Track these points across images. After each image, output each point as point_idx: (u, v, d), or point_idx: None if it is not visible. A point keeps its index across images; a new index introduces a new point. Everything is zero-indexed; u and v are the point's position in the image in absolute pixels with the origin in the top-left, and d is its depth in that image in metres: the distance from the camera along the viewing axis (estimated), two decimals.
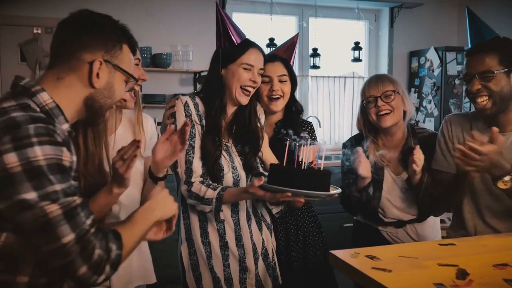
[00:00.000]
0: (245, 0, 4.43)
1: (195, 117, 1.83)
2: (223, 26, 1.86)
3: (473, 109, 1.92)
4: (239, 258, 1.86)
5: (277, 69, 2.04)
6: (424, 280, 1.27)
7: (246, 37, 1.91)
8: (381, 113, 2.05)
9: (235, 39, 1.85)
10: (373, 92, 2.07)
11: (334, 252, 1.51)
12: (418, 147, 1.95)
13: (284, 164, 1.67)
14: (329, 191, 1.64)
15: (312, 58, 4.59)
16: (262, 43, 4.33)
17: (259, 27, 4.46)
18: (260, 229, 1.94)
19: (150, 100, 3.99)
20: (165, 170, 1.62)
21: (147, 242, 1.74)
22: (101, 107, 1.26)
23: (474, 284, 1.24)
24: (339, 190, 1.68)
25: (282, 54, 2.16)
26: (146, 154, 1.72)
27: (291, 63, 2.17)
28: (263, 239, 1.94)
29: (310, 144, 1.72)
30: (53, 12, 3.87)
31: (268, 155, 1.95)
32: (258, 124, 1.95)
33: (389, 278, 1.28)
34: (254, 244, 1.89)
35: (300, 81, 4.67)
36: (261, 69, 1.88)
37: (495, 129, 1.67)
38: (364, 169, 2.00)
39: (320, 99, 4.81)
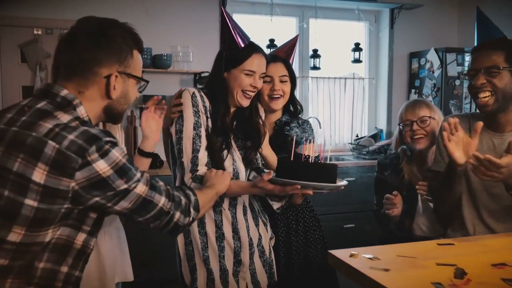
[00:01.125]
0: (245, 1, 4.44)
1: (201, 107, 1.87)
2: (227, 29, 1.89)
3: (473, 110, 1.93)
4: (235, 250, 1.88)
5: (278, 70, 2.12)
6: (423, 279, 1.27)
7: (250, 39, 1.94)
8: (416, 136, 2.19)
9: (239, 42, 1.89)
10: (410, 116, 2.22)
11: (333, 252, 1.51)
12: None
13: (291, 159, 1.72)
14: (336, 183, 1.69)
15: (312, 59, 4.59)
16: (263, 43, 4.34)
17: (260, 28, 4.47)
18: (257, 224, 1.97)
19: None
20: (155, 145, 1.84)
21: (126, 243, 2.03)
22: (119, 113, 1.38)
23: (472, 283, 1.24)
24: (345, 182, 1.73)
25: (282, 54, 2.23)
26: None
27: (291, 62, 2.22)
28: (260, 234, 1.96)
29: (313, 141, 1.85)
30: (53, 13, 3.88)
31: (267, 151, 2.02)
32: (260, 121, 2.01)
33: (387, 278, 1.28)
34: (250, 239, 1.91)
35: (301, 82, 4.67)
36: (263, 73, 1.93)
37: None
38: (397, 211, 2.16)
39: (321, 100, 4.81)
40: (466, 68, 4.51)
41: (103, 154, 1.17)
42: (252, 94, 1.92)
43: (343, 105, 4.88)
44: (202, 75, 4.10)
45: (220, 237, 1.87)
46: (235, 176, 1.90)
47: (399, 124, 2.29)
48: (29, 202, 1.13)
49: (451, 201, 1.90)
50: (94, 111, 1.30)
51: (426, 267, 1.37)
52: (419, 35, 4.89)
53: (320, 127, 4.68)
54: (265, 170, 1.95)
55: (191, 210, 1.41)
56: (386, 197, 2.19)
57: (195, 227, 1.86)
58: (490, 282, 1.27)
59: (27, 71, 3.86)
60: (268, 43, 4.36)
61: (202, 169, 1.82)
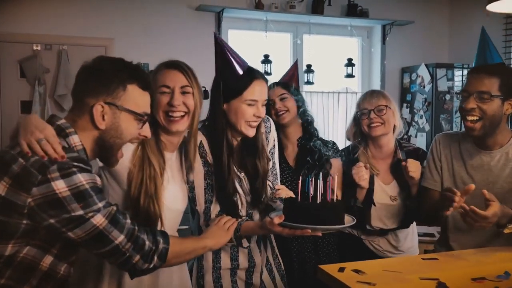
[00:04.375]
0: (240, 17, 4.53)
1: (209, 156, 1.81)
2: (224, 56, 1.77)
3: (463, 124, 1.98)
4: (246, 275, 1.89)
5: (276, 92, 2.27)
6: None
7: (248, 64, 1.81)
8: (373, 124, 2.24)
9: (238, 69, 1.76)
10: (367, 105, 2.26)
11: (323, 266, 1.57)
12: (411, 160, 2.13)
13: (298, 199, 1.68)
14: (344, 221, 1.68)
15: (306, 74, 4.69)
16: (257, 59, 4.44)
17: (254, 44, 4.56)
18: (266, 247, 1.98)
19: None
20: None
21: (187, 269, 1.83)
22: (111, 147, 1.36)
23: None
24: (353, 222, 1.70)
25: (287, 80, 2.44)
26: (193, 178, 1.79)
27: (295, 79, 2.45)
28: (267, 255, 1.98)
29: (325, 172, 1.77)
30: (52, 29, 3.96)
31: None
32: (266, 158, 1.91)
33: None
34: (261, 261, 1.92)
35: None
36: (265, 100, 1.81)
37: (484, 192, 1.71)
38: (365, 181, 2.17)
39: (314, 114, 4.84)
40: (456, 83, 4.62)
41: (65, 175, 1.17)
42: (257, 123, 1.81)
43: (336, 119, 4.97)
44: None
45: (235, 268, 1.86)
46: (249, 215, 1.86)
47: (356, 113, 2.33)
48: None
49: (442, 216, 1.93)
50: (87, 141, 1.33)
51: (410, 281, 1.44)
52: (411, 50, 5.00)
53: None
54: (273, 212, 1.82)
55: (155, 257, 1.35)
56: (356, 165, 2.18)
57: (210, 261, 1.84)
58: None
59: (26, 86, 3.93)
60: (263, 58, 4.45)
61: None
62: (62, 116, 1.34)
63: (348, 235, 2.35)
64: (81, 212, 1.18)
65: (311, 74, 4.67)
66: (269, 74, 4.41)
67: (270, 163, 1.93)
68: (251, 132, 1.80)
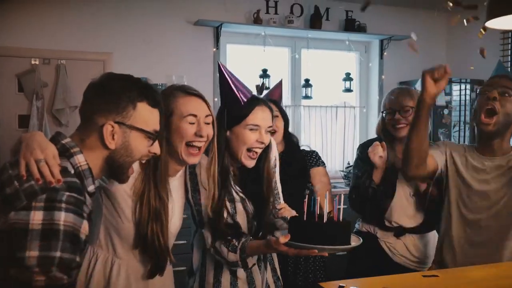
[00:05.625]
0: (239, 32, 4.55)
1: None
2: (227, 84, 1.75)
3: (461, 138, 2.03)
4: None
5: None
6: None
7: (252, 93, 1.80)
8: (398, 126, 2.24)
9: (241, 97, 1.74)
10: (393, 105, 2.27)
11: (323, 284, 1.55)
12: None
13: (304, 218, 1.63)
14: (350, 240, 1.64)
15: (304, 89, 4.69)
16: (256, 73, 4.45)
17: (253, 58, 4.57)
18: (266, 267, 1.95)
19: None
20: None
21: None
22: (122, 166, 1.33)
23: None
24: (360, 242, 1.67)
25: (272, 95, 2.49)
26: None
27: (280, 97, 2.46)
28: (267, 277, 1.95)
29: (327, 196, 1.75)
30: (51, 44, 3.97)
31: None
32: (273, 185, 1.88)
33: None
34: (261, 282, 1.89)
35: (293, 110, 4.77)
36: (269, 126, 1.77)
37: None
38: (380, 159, 2.21)
39: (313, 128, 4.90)
40: (454, 98, 4.64)
41: (48, 208, 1.08)
42: (259, 151, 1.77)
43: (334, 133, 4.97)
44: None
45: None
46: (252, 234, 1.82)
47: (382, 112, 2.34)
48: None
49: (417, 140, 1.89)
50: (96, 161, 1.29)
51: None
52: (408, 65, 5.01)
53: None
54: (278, 231, 1.83)
55: None
56: (373, 144, 2.25)
57: (210, 285, 1.80)
58: None
59: (23, 100, 3.92)
60: (261, 73, 4.46)
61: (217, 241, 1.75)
62: (67, 133, 1.31)
63: (364, 232, 2.33)
64: (34, 253, 1.05)
65: (309, 89, 4.68)
66: (267, 88, 4.41)
67: (273, 182, 1.89)
68: (249, 163, 1.76)
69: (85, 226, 1.14)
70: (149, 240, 1.56)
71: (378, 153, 2.21)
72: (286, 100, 4.66)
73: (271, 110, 1.80)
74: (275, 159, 1.94)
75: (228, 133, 1.75)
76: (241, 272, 1.84)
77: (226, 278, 1.83)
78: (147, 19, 4.25)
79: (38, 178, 1.13)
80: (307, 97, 4.70)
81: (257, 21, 4.42)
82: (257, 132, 1.73)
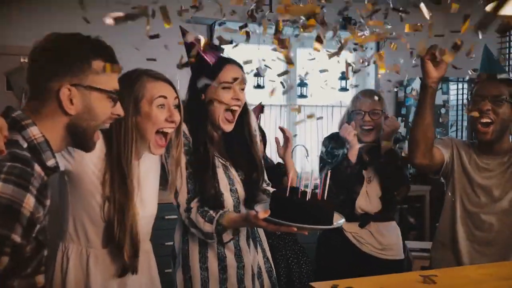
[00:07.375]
0: (233, 29, 4.47)
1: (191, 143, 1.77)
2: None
3: (459, 137, 2.04)
4: (238, 278, 1.79)
5: None
6: None
7: (220, 54, 1.78)
8: (365, 127, 2.36)
9: (209, 59, 1.73)
10: (363, 107, 2.38)
11: (314, 284, 1.49)
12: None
13: (287, 193, 1.57)
14: (332, 220, 1.58)
15: (300, 88, 4.63)
16: (250, 72, 4.37)
17: (247, 57, 4.50)
18: (256, 246, 1.90)
19: None
20: None
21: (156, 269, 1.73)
22: (85, 131, 1.23)
23: None
24: (342, 221, 1.62)
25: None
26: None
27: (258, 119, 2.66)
28: (257, 259, 1.90)
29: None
30: None
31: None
32: (257, 151, 1.88)
33: None
34: (252, 263, 1.84)
35: (288, 110, 4.70)
36: (244, 84, 1.79)
37: None
38: (354, 137, 2.31)
39: (308, 128, 4.83)
40: (451, 97, 4.60)
41: None
42: (237, 111, 1.76)
43: (330, 133, 4.88)
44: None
45: (223, 269, 1.78)
46: (236, 206, 1.80)
47: (351, 111, 2.45)
48: None
49: (422, 127, 1.90)
50: (55, 131, 1.19)
51: None
52: (405, 64, 4.95)
53: (308, 155, 4.68)
54: (258, 204, 1.78)
55: None
56: (344, 126, 2.37)
57: (196, 262, 1.76)
58: None
59: (12, 98, 3.85)
60: (256, 71, 4.38)
61: (194, 208, 1.73)
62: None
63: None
64: None
65: (305, 88, 4.62)
66: (262, 87, 4.36)
67: (257, 147, 1.90)
68: (227, 127, 1.76)
69: (29, 201, 1.03)
70: (116, 234, 1.48)
71: (352, 132, 2.30)
72: (281, 99, 4.60)
73: (241, 68, 1.82)
74: (255, 124, 1.94)
75: (203, 96, 1.73)
76: (229, 249, 1.79)
77: (212, 255, 1.78)
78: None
79: None
80: (302, 96, 4.63)
81: (251, 19, 4.35)
82: (231, 90, 1.73)
